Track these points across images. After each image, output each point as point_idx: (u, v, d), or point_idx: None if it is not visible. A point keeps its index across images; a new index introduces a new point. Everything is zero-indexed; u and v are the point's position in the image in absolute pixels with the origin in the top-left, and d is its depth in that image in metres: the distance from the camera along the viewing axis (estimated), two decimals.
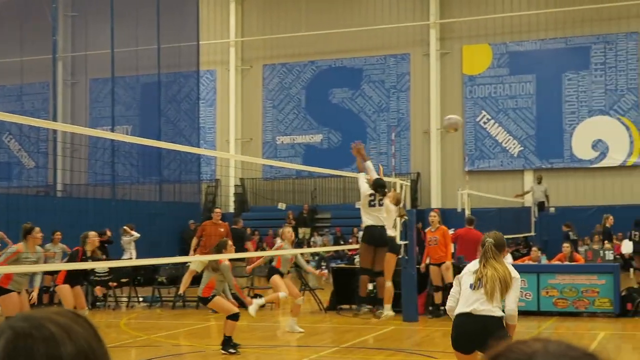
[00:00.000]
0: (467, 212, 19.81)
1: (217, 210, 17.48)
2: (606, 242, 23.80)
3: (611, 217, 18.30)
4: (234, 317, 10.97)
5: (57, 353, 1.25)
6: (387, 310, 13.22)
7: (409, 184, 16.01)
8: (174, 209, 26.08)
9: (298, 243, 26.24)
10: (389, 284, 13.43)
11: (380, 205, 12.92)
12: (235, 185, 31.14)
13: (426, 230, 15.50)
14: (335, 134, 31.25)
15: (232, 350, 10.90)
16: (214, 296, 11.08)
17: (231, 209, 30.80)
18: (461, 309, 6.54)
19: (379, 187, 12.94)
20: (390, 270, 13.50)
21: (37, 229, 11.37)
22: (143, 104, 30.53)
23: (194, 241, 17.21)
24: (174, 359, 11.37)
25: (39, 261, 11.40)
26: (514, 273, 6.63)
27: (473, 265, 6.79)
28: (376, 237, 12.89)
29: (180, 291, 15.59)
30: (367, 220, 13.01)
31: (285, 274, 13.28)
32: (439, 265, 14.75)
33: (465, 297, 6.54)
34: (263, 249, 25.84)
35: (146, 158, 26.13)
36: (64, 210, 20.91)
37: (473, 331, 6.50)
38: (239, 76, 32.62)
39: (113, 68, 27.43)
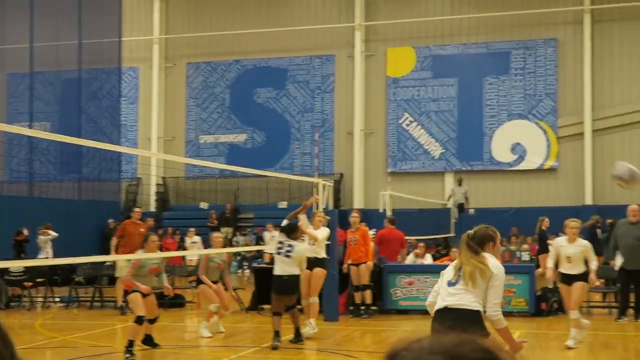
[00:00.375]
0: (389, 213, 19.99)
1: (137, 209, 17.18)
2: (525, 244, 24.35)
3: (547, 220, 18.70)
4: (138, 320, 10.73)
5: None
6: (310, 327, 12.63)
7: (332, 184, 16.07)
8: (93, 208, 25.61)
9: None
10: (314, 300, 13.14)
11: (288, 255, 11.63)
12: (157, 184, 30.75)
13: (347, 230, 15.57)
14: (259, 133, 31.17)
15: (127, 356, 10.54)
16: (133, 291, 10.88)
17: (152, 208, 30.42)
18: (438, 304, 6.21)
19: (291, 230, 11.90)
20: (317, 286, 13.21)
21: None
22: (63, 100, 29.84)
23: (114, 241, 16.89)
24: None
25: None
26: (496, 269, 6.11)
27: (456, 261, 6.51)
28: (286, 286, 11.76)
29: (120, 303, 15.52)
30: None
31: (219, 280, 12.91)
32: (358, 265, 14.83)
33: (443, 293, 6.21)
34: (184, 249, 25.57)
35: (65, 155, 25.59)
36: None
37: (448, 326, 6.13)
38: (162, 74, 32.24)
39: (32, 63, 26.75)
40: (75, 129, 26.35)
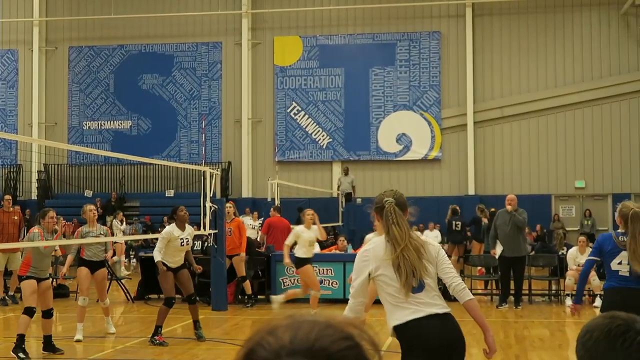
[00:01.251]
0: (277, 202, 20.08)
1: (7, 197, 16.60)
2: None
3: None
4: (28, 312, 9.86)
5: None
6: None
7: (219, 173, 15.98)
8: None
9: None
10: (315, 293, 12.93)
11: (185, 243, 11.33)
12: (39, 171, 29.82)
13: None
14: (145, 120, 30.64)
15: (20, 355, 9.80)
16: (28, 277, 10.02)
17: (34, 196, 29.49)
18: (408, 316, 4.66)
19: None
20: (314, 281, 13.06)
21: None
22: None
23: None
24: None
25: None
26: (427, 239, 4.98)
27: (379, 248, 4.80)
28: None
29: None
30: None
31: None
32: (232, 257, 14.72)
33: (399, 301, 4.68)
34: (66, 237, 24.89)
35: None
36: None
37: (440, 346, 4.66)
38: (42, 57, 31.20)
39: None
40: None
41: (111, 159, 28.99)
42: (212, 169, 15.38)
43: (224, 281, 14.47)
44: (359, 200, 27.76)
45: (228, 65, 30.36)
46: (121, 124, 30.78)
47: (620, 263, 6.90)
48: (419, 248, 4.76)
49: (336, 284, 15.35)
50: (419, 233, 5.32)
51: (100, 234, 11.55)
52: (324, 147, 29.73)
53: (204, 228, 14.22)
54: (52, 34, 31.44)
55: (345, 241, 17.66)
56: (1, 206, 15.87)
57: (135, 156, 16.54)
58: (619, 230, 7.06)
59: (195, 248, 17.48)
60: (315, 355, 1.23)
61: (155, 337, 10.96)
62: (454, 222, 21.92)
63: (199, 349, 10.85)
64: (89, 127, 30.90)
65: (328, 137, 29.72)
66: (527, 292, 15.64)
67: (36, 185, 29.79)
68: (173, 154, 30.13)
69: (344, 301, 14.87)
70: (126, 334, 12.14)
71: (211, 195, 14.48)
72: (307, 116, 29.89)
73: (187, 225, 11.34)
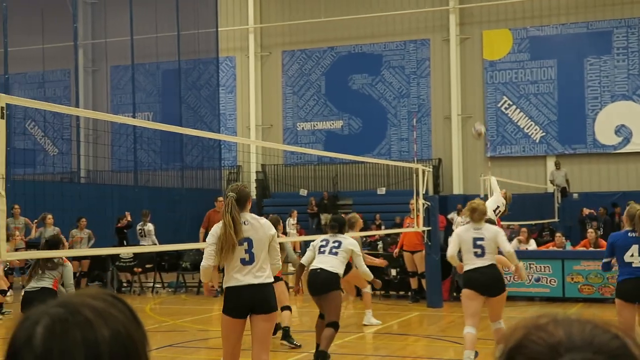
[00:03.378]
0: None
1: (220, 198, 17.54)
2: None
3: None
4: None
5: (93, 338, 1.26)
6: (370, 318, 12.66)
7: (430, 170, 15.95)
8: (195, 195, 26.14)
9: (319, 229, 26.29)
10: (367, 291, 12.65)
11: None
12: (257, 172, 31.19)
13: (404, 217, 15.59)
14: (356, 120, 31.20)
15: None
16: None
17: (253, 196, 30.85)
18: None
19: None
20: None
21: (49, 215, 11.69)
22: (164, 91, 30.60)
23: (201, 231, 17.25)
24: (200, 344, 11.45)
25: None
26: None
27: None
28: None
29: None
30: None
31: None
32: (414, 252, 14.97)
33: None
34: (286, 235, 25.87)
35: (168, 145, 26.21)
36: (87, 197, 21.04)
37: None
38: (258, 62, 32.60)
39: (133, 55, 27.46)
40: (176, 118, 26.96)
41: (324, 158, 29.77)
42: (424, 166, 15.41)
43: (439, 278, 14.46)
44: (575, 196, 26.76)
45: (436, 62, 30.27)
46: (333, 124, 31.54)
47: (632, 255, 8.01)
48: None
49: (554, 281, 14.89)
50: None
51: None
52: (537, 141, 28.90)
53: (417, 225, 14.27)
54: (266, 40, 32.78)
55: (563, 238, 17.09)
56: (214, 207, 16.79)
57: (347, 155, 16.87)
58: (626, 228, 8.22)
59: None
60: (598, 351, 1.20)
61: None
62: None
63: (417, 345, 10.90)
64: (303, 127, 31.92)
65: (541, 130, 28.86)
66: None
67: (254, 185, 31.15)
68: (384, 152, 30.47)
69: (563, 300, 14.43)
70: (344, 329, 12.42)
71: (423, 192, 14.51)
72: (518, 110, 29.18)
73: None
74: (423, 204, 14.34)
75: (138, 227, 19.13)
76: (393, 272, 15.72)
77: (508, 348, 1.26)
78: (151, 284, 18.26)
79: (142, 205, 20.94)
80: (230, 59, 32.82)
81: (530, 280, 15.08)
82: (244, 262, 6.63)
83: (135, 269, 17.60)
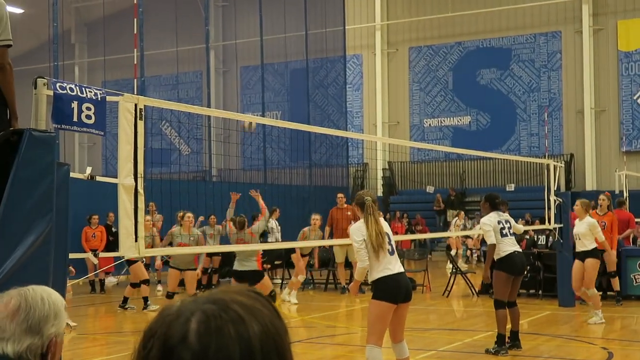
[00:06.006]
0: (625, 194, 19.12)
1: (340, 195, 17.61)
2: None
3: None
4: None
5: (246, 333, 1.28)
6: (596, 316, 11.97)
7: (562, 165, 15.53)
8: (323, 193, 26.41)
9: (446, 225, 26.05)
10: (593, 292, 12.15)
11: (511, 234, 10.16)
12: (383, 169, 31.21)
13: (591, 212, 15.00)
14: (484, 115, 30.72)
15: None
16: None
17: (380, 193, 30.91)
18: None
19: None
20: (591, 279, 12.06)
21: (189, 214, 12.21)
22: (292, 90, 31.10)
23: (327, 229, 17.40)
24: (327, 340, 11.57)
25: (193, 242, 12.42)
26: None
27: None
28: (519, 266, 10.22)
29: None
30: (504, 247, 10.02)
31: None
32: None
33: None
34: (412, 232, 25.82)
35: (296, 143, 26.61)
36: (218, 195, 21.58)
37: None
38: (384, 59, 32.60)
39: (262, 55, 28.02)
40: (304, 117, 27.34)
41: (451, 155, 29.48)
42: (555, 162, 15.00)
43: (570, 277, 14.04)
44: None
45: (568, 55, 29.42)
46: (460, 119, 31.17)
47: None
48: None
49: None
50: None
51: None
52: None
53: (549, 222, 13.91)
54: (393, 37, 32.73)
55: None
56: (335, 204, 16.93)
57: (475, 151, 16.62)
58: None
59: (539, 243, 17.22)
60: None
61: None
62: None
63: (550, 345, 10.66)
64: (430, 124, 31.70)
65: None
66: None
67: (381, 183, 31.19)
68: (513, 148, 29.87)
69: None
70: (471, 327, 12.28)
71: (555, 189, 14.14)
72: None
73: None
74: (554, 201, 13.97)
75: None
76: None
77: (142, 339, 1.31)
78: (279, 281, 18.60)
79: (272, 202, 21.29)
80: (357, 57, 32.96)
81: None
82: (391, 253, 7.34)
83: (264, 265, 17.94)
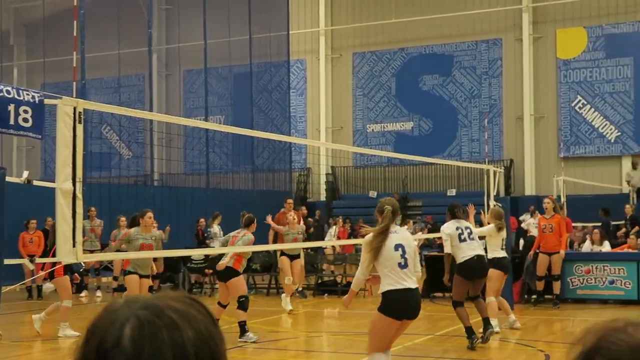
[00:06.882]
0: (563, 199, 19.49)
1: (289, 200, 17.64)
2: None
3: None
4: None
5: (179, 339, 1.29)
6: (494, 327, 11.99)
7: (502, 170, 15.79)
8: (266, 198, 26.39)
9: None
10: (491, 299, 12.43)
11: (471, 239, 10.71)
12: (327, 174, 31.30)
13: (539, 217, 15.27)
14: (427, 121, 31.04)
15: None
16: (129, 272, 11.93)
17: (323, 198, 30.99)
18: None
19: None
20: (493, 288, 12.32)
21: (149, 213, 11.80)
22: (235, 94, 30.98)
23: (270, 233, 17.37)
24: (269, 345, 11.56)
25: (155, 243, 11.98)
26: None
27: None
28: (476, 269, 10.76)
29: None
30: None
31: None
32: (551, 254, 14.43)
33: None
34: (355, 237, 25.90)
35: (239, 147, 26.54)
36: (160, 199, 21.41)
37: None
38: (328, 65, 32.71)
39: (206, 59, 27.87)
40: (247, 121, 27.26)
41: (394, 160, 29.71)
42: (495, 167, 15.25)
43: (510, 280, 14.26)
44: None
45: (508, 62, 29.91)
46: (403, 125, 31.44)
47: None
48: None
49: (629, 284, 14.56)
50: None
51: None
52: (612, 141, 28.28)
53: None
54: (337, 42, 32.87)
55: (638, 239, 16.70)
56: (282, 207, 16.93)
57: (417, 156, 16.82)
58: None
59: (430, 249, 17.41)
60: None
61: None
62: None
63: (489, 347, 10.80)
64: (373, 129, 31.90)
65: (617, 130, 28.23)
66: None
67: (324, 187, 31.28)
68: (454, 153, 30.24)
69: (638, 303, 14.09)
70: (413, 331, 12.38)
71: (494, 194, 14.37)
72: (593, 109, 28.61)
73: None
74: (494, 205, 14.18)
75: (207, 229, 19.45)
76: None
77: (586, 349, 1.27)
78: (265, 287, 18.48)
79: (214, 207, 21.22)
80: (301, 62, 33.02)
81: (604, 283, 14.78)
82: (401, 267, 7.10)
83: (205, 271, 17.86)
